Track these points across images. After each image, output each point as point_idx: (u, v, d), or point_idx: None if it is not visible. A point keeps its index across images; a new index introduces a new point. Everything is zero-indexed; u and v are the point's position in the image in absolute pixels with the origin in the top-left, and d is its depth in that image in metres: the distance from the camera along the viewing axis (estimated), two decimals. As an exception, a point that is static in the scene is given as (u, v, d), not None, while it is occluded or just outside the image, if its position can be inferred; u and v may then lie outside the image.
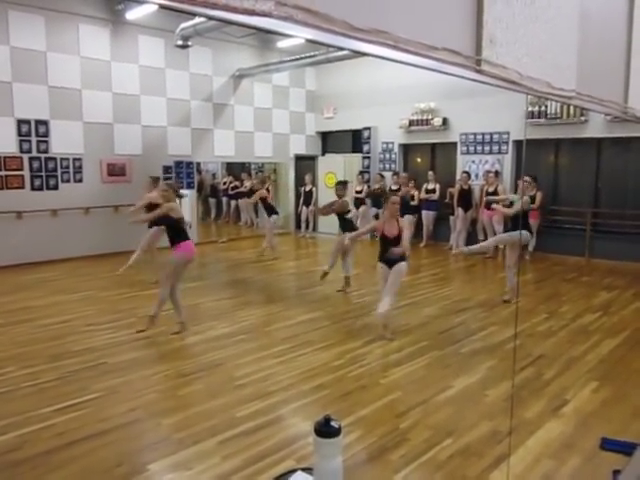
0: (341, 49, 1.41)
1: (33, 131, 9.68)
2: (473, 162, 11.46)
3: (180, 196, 6.12)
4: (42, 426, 3.81)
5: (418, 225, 11.83)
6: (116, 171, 10.75)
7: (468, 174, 11.03)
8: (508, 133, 10.88)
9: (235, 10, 1.04)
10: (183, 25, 9.89)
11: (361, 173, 13.00)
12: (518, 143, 10.90)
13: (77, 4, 9.88)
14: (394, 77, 11.70)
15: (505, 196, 8.29)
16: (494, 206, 8.10)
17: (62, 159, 10.08)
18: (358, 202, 12.09)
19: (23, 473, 3.25)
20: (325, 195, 13.91)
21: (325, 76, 13.90)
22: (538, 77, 1.94)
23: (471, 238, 11.10)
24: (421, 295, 7.67)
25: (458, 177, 11.26)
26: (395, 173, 12.28)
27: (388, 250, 5.59)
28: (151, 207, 7.33)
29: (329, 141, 14.74)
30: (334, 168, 13.98)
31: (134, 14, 10.19)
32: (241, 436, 3.66)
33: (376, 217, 12.79)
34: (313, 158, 14.55)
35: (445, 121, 11.78)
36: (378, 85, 12.54)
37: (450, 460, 3.38)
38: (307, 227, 13.82)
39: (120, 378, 4.69)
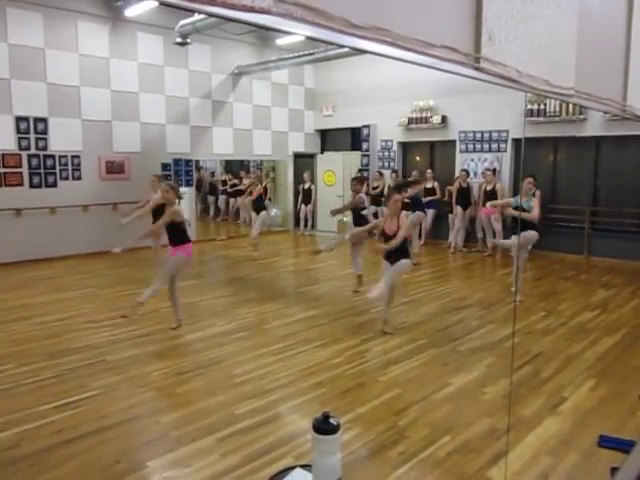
0: (340, 46, 1.40)
1: (32, 128, 9.67)
2: (472, 160, 11.46)
3: (180, 197, 6.08)
4: (40, 423, 3.81)
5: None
6: (115, 169, 10.75)
7: (467, 172, 11.04)
8: (507, 131, 10.89)
9: (234, 7, 1.04)
10: (182, 22, 9.88)
11: (360, 171, 13.00)
12: (517, 141, 10.91)
13: (75, 1, 9.86)
14: (393, 75, 11.69)
15: (505, 201, 8.16)
16: (489, 204, 8.02)
17: (61, 156, 10.06)
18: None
19: (21, 470, 3.25)
20: (324, 193, 13.93)
21: (324, 74, 13.89)
22: (537, 75, 1.94)
23: (470, 236, 11.12)
24: (420, 293, 7.68)
25: (457, 175, 11.27)
26: (394, 171, 12.28)
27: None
28: (157, 208, 7.37)
29: (328, 139, 14.74)
30: (333, 166, 13.99)
31: (133, 11, 10.18)
32: (240, 433, 3.67)
33: (375, 215, 12.81)
34: (312, 156, 14.55)
35: (444, 119, 11.78)
36: (377, 83, 12.53)
37: (448, 457, 3.38)
38: (306, 225, 13.82)
39: (119, 375, 4.69)
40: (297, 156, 14.34)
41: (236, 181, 15.50)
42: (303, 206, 13.65)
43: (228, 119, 12.62)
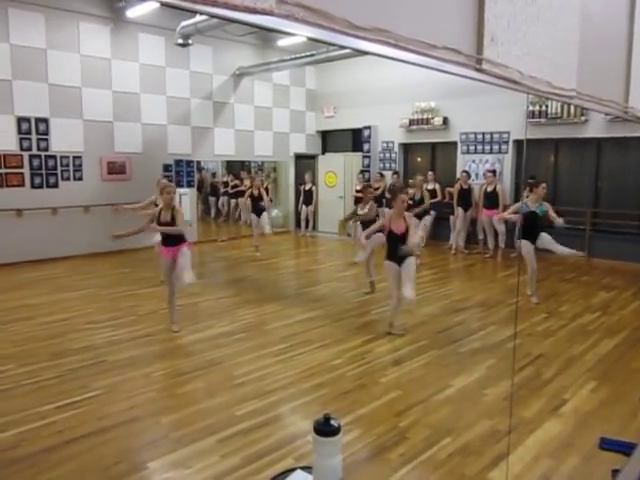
0: (342, 47, 1.40)
1: (33, 129, 9.68)
2: (473, 162, 11.45)
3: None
4: (41, 424, 3.81)
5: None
6: (116, 169, 10.75)
7: (468, 173, 11.03)
8: (508, 133, 10.88)
9: (236, 8, 1.04)
10: (184, 23, 9.88)
11: (361, 172, 13.00)
12: (518, 143, 10.90)
13: (77, 2, 9.88)
14: (394, 76, 11.69)
15: (515, 208, 8.11)
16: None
17: (62, 157, 10.07)
18: (358, 201, 12.07)
19: (22, 471, 3.25)
20: (325, 194, 13.94)
21: (325, 75, 13.89)
22: (539, 76, 1.94)
23: (471, 238, 11.11)
24: (421, 294, 7.64)
25: (458, 177, 11.26)
26: (395, 172, 12.28)
27: (397, 247, 5.62)
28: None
29: (329, 140, 14.74)
30: (334, 167, 13.99)
31: (135, 12, 10.19)
32: (240, 435, 3.66)
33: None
34: (313, 157, 14.55)
35: (445, 120, 11.78)
36: (378, 84, 12.53)
37: (449, 459, 3.38)
38: (307, 226, 13.82)
39: (119, 376, 4.69)
40: (298, 157, 14.34)
41: (237, 182, 15.50)
42: (304, 207, 13.65)
43: (229, 120, 12.62)
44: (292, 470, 1.78)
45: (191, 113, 11.88)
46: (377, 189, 12.30)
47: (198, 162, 13.05)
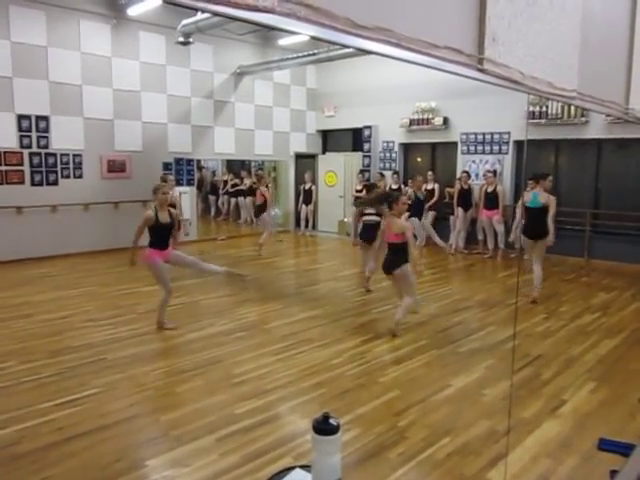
0: (343, 46, 1.41)
1: (33, 126, 9.68)
2: (473, 162, 11.45)
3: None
4: (41, 421, 3.81)
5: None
6: (116, 167, 10.75)
7: (468, 174, 11.03)
8: (509, 133, 10.88)
9: (238, 6, 1.04)
10: (184, 22, 9.88)
11: (361, 172, 13.00)
12: (519, 143, 10.90)
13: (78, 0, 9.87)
14: (395, 76, 11.68)
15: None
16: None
17: (62, 155, 10.07)
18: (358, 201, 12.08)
19: (22, 467, 3.26)
20: (325, 193, 13.94)
21: (326, 74, 13.88)
22: (540, 77, 1.94)
23: (471, 238, 11.11)
24: (420, 294, 7.64)
25: (458, 177, 11.26)
26: (395, 172, 12.27)
27: (395, 258, 5.72)
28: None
29: (329, 139, 14.73)
30: (334, 167, 13.99)
31: (136, 10, 10.17)
32: (239, 433, 3.67)
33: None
34: (313, 156, 14.55)
35: (446, 120, 11.78)
36: (379, 84, 12.52)
37: (448, 459, 3.38)
38: (307, 225, 13.82)
39: (119, 374, 4.69)
40: (298, 156, 14.34)
41: (237, 181, 15.51)
42: (304, 206, 13.65)
43: (230, 119, 12.62)
44: (291, 469, 1.78)
45: (191, 111, 11.87)
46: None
47: (198, 161, 13.06)
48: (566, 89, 2.14)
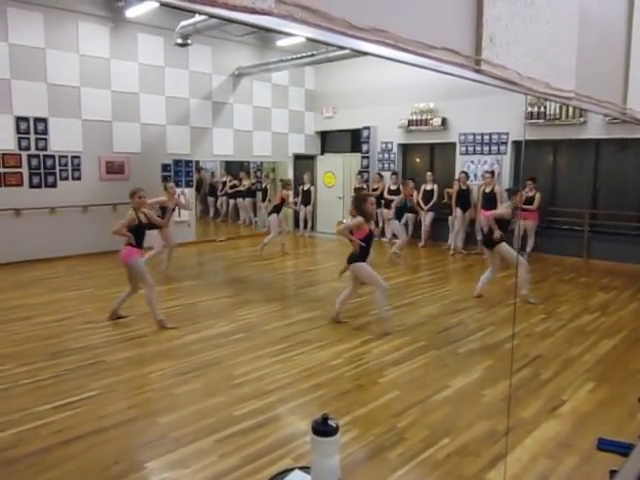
0: (341, 48, 1.41)
1: (32, 128, 9.67)
2: (472, 162, 11.46)
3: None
4: (39, 424, 3.81)
5: (417, 225, 11.86)
6: (115, 169, 10.74)
7: (466, 174, 11.04)
8: (507, 134, 10.89)
9: (235, 8, 1.04)
10: (183, 23, 9.87)
11: (360, 173, 13.00)
12: (517, 144, 10.91)
13: (76, 1, 9.86)
14: (393, 77, 11.69)
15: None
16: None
17: (61, 157, 10.06)
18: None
19: (20, 471, 3.25)
20: (324, 194, 13.94)
21: (325, 75, 13.89)
22: (537, 77, 1.95)
23: (469, 238, 11.12)
24: (419, 295, 7.67)
25: (457, 177, 11.26)
26: (394, 173, 12.28)
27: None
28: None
29: (328, 140, 14.74)
30: (333, 168, 14.00)
31: (134, 12, 10.17)
32: (238, 435, 3.66)
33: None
34: (312, 157, 14.55)
35: (444, 121, 11.79)
36: (377, 85, 12.53)
37: (447, 459, 3.38)
38: (306, 226, 13.82)
39: (118, 376, 4.68)
40: (297, 157, 14.34)
41: (236, 182, 15.51)
42: (303, 207, 13.65)
43: (228, 120, 12.62)
44: (290, 470, 1.78)
45: (190, 113, 11.87)
46: (375, 189, 12.34)
47: (197, 162, 13.05)
48: (563, 90, 2.14)
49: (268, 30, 1.20)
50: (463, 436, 3.67)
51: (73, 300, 7.18)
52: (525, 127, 10.80)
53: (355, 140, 13.77)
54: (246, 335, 5.82)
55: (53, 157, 9.97)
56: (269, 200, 14.50)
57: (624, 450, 2.01)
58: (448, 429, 3.76)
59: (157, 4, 9.18)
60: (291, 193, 11.02)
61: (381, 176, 12.52)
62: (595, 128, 9.75)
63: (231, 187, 15.63)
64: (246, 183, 15.11)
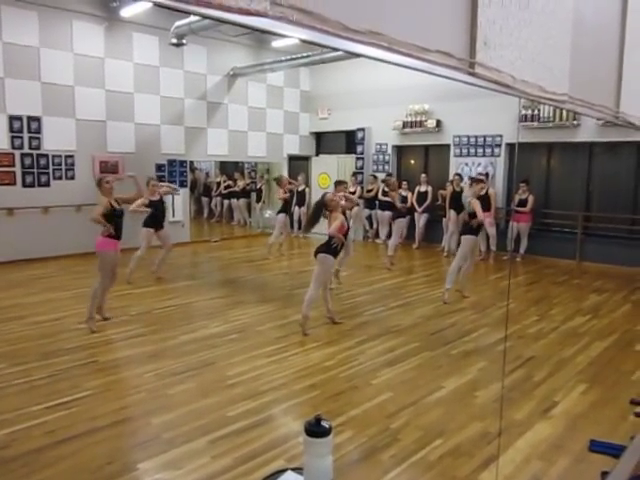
0: (335, 50, 1.41)
1: (25, 127, 9.62)
2: (466, 164, 11.50)
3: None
4: (32, 424, 3.79)
5: (411, 227, 11.87)
6: (109, 169, 10.69)
7: (460, 176, 11.06)
8: (501, 136, 10.93)
9: (230, 9, 1.05)
10: (178, 23, 9.86)
11: (354, 174, 13.01)
12: (511, 146, 10.95)
13: (71, 0, 9.83)
14: (388, 79, 11.71)
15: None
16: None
17: (54, 156, 10.02)
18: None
19: (13, 471, 3.24)
20: (318, 195, 13.88)
21: (320, 77, 13.90)
22: (531, 81, 1.96)
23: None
24: (413, 296, 7.69)
25: (451, 179, 11.29)
26: (388, 174, 12.28)
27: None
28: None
29: (323, 142, 14.75)
30: (327, 169, 14.00)
31: (129, 11, 10.15)
32: (232, 436, 3.66)
33: (369, 218, 12.84)
34: (307, 158, 14.56)
35: (439, 123, 11.82)
36: (372, 86, 12.55)
37: (440, 460, 3.39)
38: (300, 227, 13.81)
39: (111, 376, 4.67)
40: (292, 158, 14.34)
41: (230, 182, 15.49)
42: (297, 208, 13.63)
43: (223, 120, 12.61)
44: (283, 471, 1.78)
45: (185, 113, 11.85)
46: (370, 191, 12.36)
47: (191, 162, 13.03)
48: (557, 93, 2.16)
49: (263, 32, 1.20)
50: (456, 437, 3.68)
51: (67, 300, 7.15)
52: (519, 130, 10.85)
53: (350, 141, 13.79)
54: (240, 335, 5.82)
55: (47, 156, 9.93)
56: (263, 201, 14.51)
57: (616, 452, 2.03)
58: (441, 430, 3.77)
59: (152, 4, 9.17)
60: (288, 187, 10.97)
61: (375, 177, 12.53)
62: (588, 131, 9.81)
63: (225, 187, 15.61)
64: (240, 184, 15.08)
